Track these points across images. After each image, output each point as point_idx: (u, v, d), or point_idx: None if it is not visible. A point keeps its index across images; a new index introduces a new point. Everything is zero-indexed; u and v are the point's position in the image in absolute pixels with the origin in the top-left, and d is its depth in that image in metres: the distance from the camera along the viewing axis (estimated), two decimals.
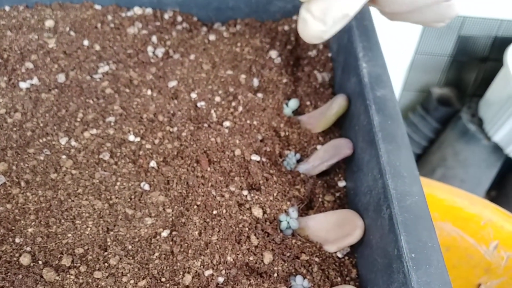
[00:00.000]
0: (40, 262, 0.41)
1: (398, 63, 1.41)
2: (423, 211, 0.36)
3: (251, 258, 0.42)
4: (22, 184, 0.46)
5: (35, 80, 0.55)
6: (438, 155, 1.39)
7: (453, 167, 1.36)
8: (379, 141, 0.41)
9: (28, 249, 0.41)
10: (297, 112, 0.57)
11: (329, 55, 0.61)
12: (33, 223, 0.43)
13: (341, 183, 0.49)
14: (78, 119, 0.51)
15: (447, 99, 1.43)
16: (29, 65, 0.56)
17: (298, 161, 0.51)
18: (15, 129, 0.50)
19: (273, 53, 0.62)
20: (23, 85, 0.54)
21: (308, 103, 0.56)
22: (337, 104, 0.51)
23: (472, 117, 1.34)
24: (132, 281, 0.40)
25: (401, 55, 1.40)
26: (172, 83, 0.56)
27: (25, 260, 0.40)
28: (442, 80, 1.46)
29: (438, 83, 1.47)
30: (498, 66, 1.26)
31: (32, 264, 0.40)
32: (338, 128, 0.54)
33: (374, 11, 0.56)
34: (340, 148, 0.49)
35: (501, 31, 1.30)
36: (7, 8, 0.63)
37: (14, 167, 0.47)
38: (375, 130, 0.43)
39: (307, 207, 0.48)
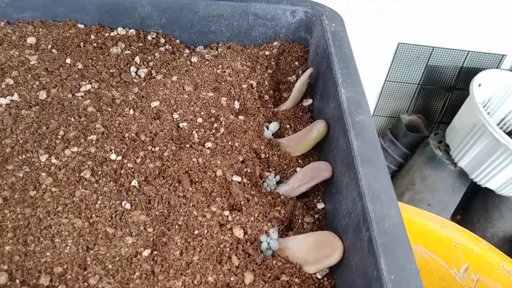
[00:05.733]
0: (17, 281, 0.40)
1: (369, 90, 1.45)
2: (401, 233, 0.38)
3: (232, 279, 0.42)
4: (0, 201, 0.45)
5: (15, 97, 0.54)
6: (406, 179, 1.42)
7: (421, 191, 1.39)
8: (358, 165, 0.43)
9: (5, 267, 0.41)
10: (277, 134, 0.58)
11: (309, 80, 0.63)
12: (10, 241, 0.42)
13: (320, 205, 0.50)
14: (59, 137, 0.51)
15: (415, 125, 1.47)
16: (10, 81, 0.56)
17: (278, 183, 0.52)
18: None
19: (254, 77, 0.63)
20: (3, 101, 0.53)
21: (288, 126, 0.58)
22: (317, 129, 0.52)
23: (439, 143, 1.38)
24: None
25: (372, 82, 1.44)
26: (155, 103, 0.56)
27: (1, 278, 0.40)
28: (410, 107, 1.50)
29: (407, 109, 1.51)
30: (464, 95, 1.32)
31: (9, 283, 0.40)
32: (317, 151, 0.55)
33: (351, 37, 0.58)
34: (319, 170, 0.50)
35: (467, 61, 1.36)
36: None
37: None
38: (354, 154, 0.44)
39: (287, 228, 0.49)
